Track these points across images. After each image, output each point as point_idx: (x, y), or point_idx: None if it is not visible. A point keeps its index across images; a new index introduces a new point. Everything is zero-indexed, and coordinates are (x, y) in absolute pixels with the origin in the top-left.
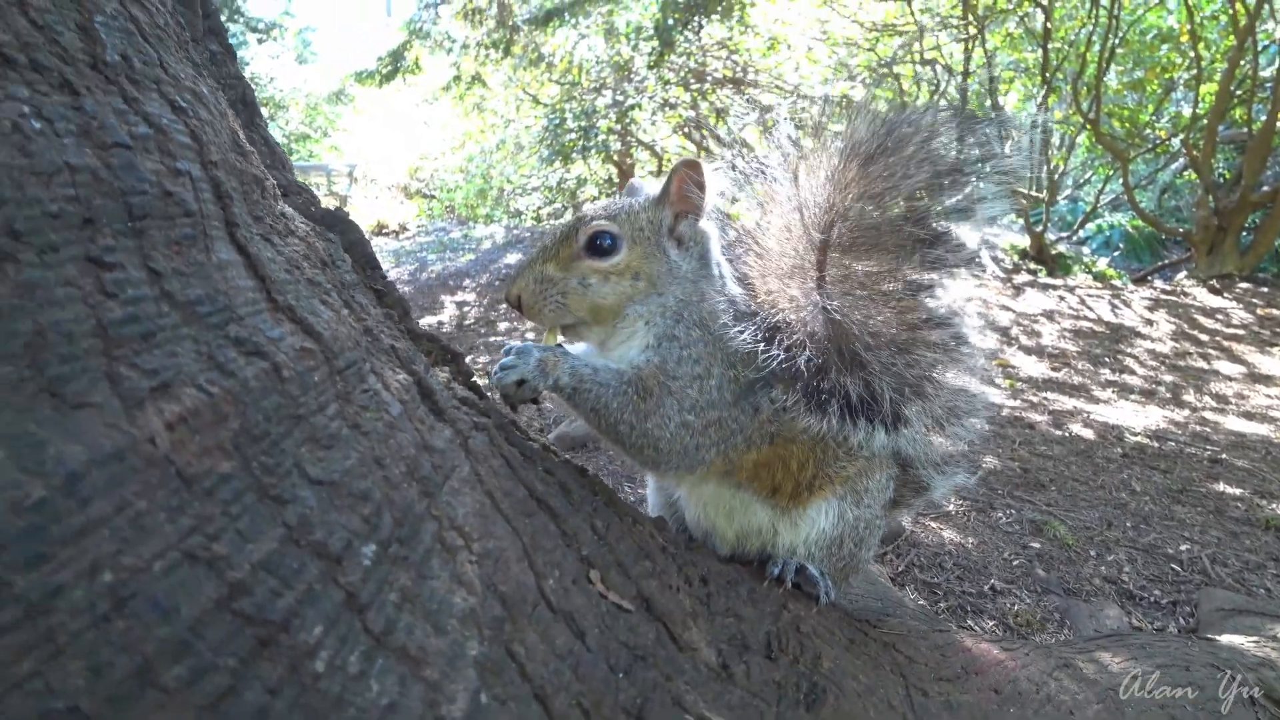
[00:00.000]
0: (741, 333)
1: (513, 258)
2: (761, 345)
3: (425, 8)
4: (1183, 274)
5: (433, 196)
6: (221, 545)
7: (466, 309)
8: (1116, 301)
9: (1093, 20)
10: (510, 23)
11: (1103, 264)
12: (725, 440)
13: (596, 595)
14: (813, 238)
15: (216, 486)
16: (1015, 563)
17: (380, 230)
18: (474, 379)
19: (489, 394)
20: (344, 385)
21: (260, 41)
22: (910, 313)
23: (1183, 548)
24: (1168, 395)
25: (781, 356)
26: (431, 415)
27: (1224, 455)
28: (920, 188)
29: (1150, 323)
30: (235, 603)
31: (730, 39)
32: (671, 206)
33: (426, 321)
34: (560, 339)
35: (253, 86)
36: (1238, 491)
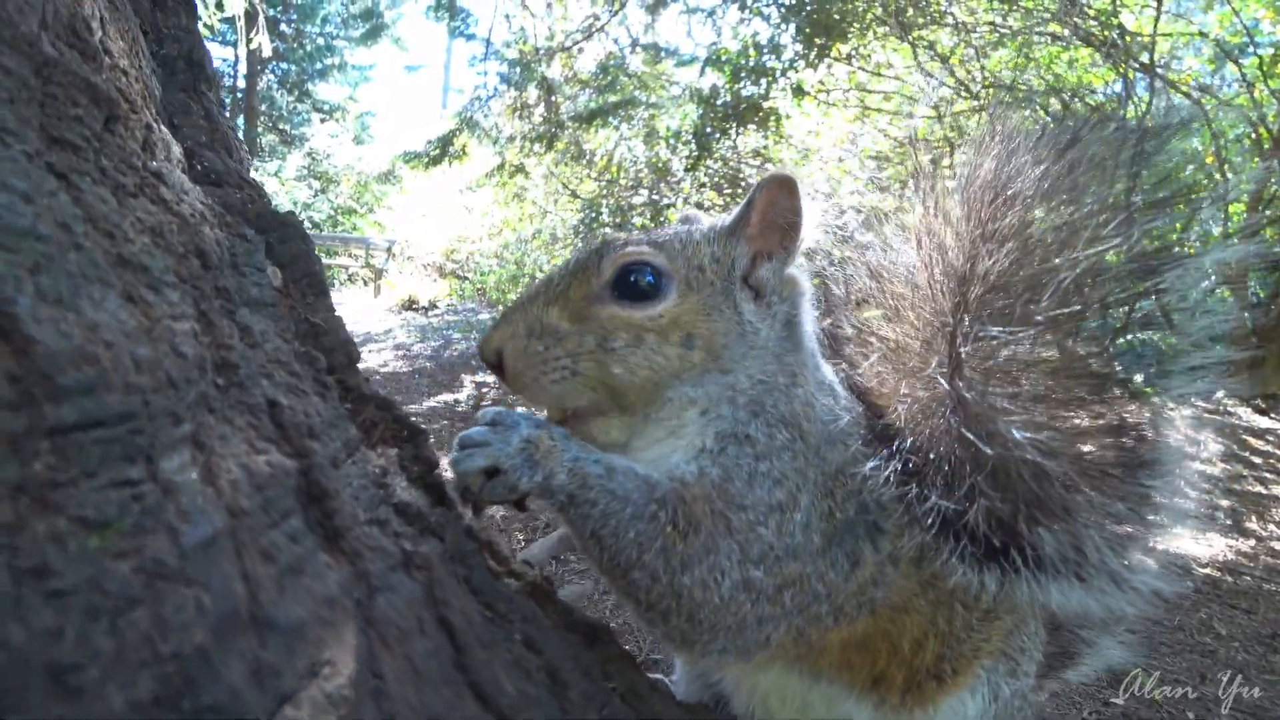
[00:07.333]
0: (864, 443)
1: None
2: (897, 466)
3: (476, 101)
4: (1221, 393)
5: (465, 278)
6: None
7: (485, 389)
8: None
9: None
10: (556, 119)
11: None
12: (804, 609)
13: None
14: (940, 302)
15: None
16: None
17: (411, 305)
18: (437, 471)
19: (452, 495)
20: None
21: (322, 121)
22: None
23: None
24: (1228, 522)
25: (928, 494)
26: (312, 535)
27: None
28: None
29: (1195, 442)
30: None
31: (765, 148)
32: (751, 241)
33: (444, 399)
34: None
35: (208, 51)
36: None
